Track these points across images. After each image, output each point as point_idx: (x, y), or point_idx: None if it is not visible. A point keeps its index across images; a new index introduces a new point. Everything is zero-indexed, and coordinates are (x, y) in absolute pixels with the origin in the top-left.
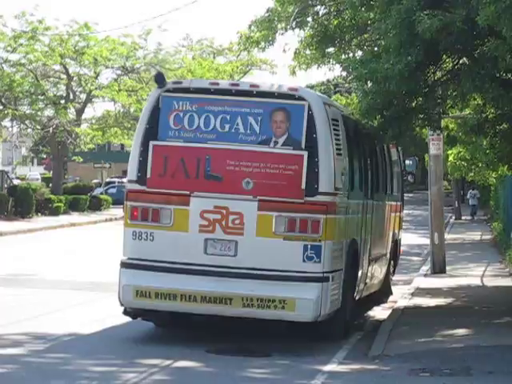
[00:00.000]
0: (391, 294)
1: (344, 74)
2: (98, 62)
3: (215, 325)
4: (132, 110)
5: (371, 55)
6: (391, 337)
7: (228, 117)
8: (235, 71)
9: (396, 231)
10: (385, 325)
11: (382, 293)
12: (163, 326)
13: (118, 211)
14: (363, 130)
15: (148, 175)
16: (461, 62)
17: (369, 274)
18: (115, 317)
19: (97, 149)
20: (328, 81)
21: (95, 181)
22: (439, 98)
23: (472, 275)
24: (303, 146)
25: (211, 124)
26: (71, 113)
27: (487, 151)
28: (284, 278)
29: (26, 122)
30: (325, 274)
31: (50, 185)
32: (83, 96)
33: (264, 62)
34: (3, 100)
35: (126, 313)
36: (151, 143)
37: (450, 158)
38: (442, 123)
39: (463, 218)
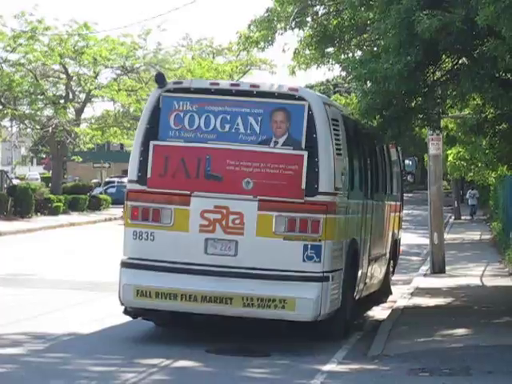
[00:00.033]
0: (391, 293)
1: (343, 73)
2: (98, 62)
3: (215, 324)
4: (131, 109)
5: (370, 55)
6: (391, 337)
7: (228, 117)
8: (234, 71)
9: (395, 231)
10: (384, 325)
11: (382, 292)
12: (163, 326)
13: (117, 211)
14: (363, 130)
15: (148, 175)
16: (460, 61)
17: (368, 274)
18: (115, 316)
19: (96, 148)
20: (327, 81)
21: (94, 180)
22: (438, 97)
23: (471, 275)
24: (303, 146)
25: (211, 124)
26: (70, 112)
27: (486, 151)
28: (284, 277)
29: (26, 121)
30: (325, 274)
31: (50, 184)
32: (83, 96)
33: (263, 61)
34: (3, 100)
35: (126, 312)
36: (152, 143)
37: (450, 158)
38: (442, 123)
39: (463, 217)
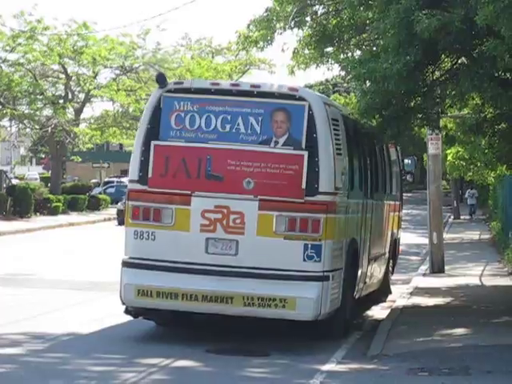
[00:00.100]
0: (390, 293)
1: (343, 73)
2: (97, 62)
3: (215, 324)
4: (131, 109)
5: (370, 55)
6: (390, 336)
7: (229, 117)
8: (234, 71)
9: (395, 230)
10: (383, 324)
11: (381, 292)
12: (164, 325)
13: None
14: (362, 130)
15: (149, 175)
16: (459, 61)
17: (368, 274)
18: (114, 316)
19: (95, 148)
20: (327, 80)
21: (94, 180)
22: (438, 97)
23: (471, 275)
24: (303, 146)
25: (212, 124)
26: (70, 112)
27: (486, 151)
28: (284, 277)
29: (25, 121)
30: (325, 273)
31: (49, 184)
32: (82, 96)
33: (263, 61)
34: (2, 100)
35: (127, 312)
36: (153, 143)
37: (449, 158)
38: (441, 123)
39: (462, 217)
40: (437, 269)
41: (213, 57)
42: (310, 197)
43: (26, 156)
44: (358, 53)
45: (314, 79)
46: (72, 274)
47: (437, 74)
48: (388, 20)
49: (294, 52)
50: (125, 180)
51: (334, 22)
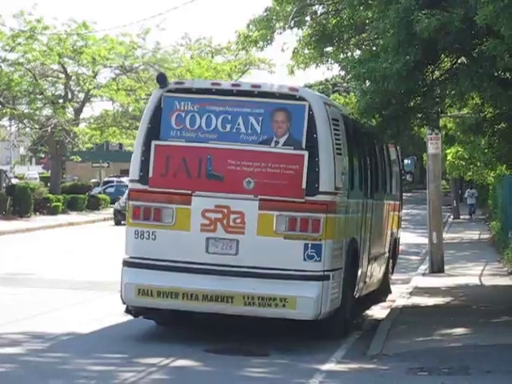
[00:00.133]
0: (390, 292)
1: (342, 73)
2: (97, 62)
3: (215, 323)
4: (130, 109)
5: (369, 54)
6: (389, 336)
7: (229, 117)
8: (233, 70)
9: (395, 230)
10: (383, 324)
11: (381, 291)
12: (164, 325)
13: None
14: (362, 130)
15: (150, 175)
16: (459, 61)
17: (368, 273)
18: (114, 316)
19: (95, 148)
20: (326, 80)
21: (93, 180)
22: (437, 97)
23: (470, 274)
24: (304, 146)
25: (213, 124)
26: (69, 112)
27: (485, 150)
28: (285, 276)
29: (25, 121)
30: (325, 273)
31: (49, 184)
32: (81, 95)
33: (262, 61)
34: (1, 99)
35: (127, 311)
36: (153, 143)
37: (449, 157)
38: (441, 122)
39: (461, 217)
40: (436, 268)
41: (212, 56)
42: (310, 196)
43: (25, 155)
44: (357, 52)
45: (314, 79)
46: (72, 273)
47: (436, 73)
48: (387, 20)
49: (293, 52)
50: (124, 180)
51: (333, 21)
